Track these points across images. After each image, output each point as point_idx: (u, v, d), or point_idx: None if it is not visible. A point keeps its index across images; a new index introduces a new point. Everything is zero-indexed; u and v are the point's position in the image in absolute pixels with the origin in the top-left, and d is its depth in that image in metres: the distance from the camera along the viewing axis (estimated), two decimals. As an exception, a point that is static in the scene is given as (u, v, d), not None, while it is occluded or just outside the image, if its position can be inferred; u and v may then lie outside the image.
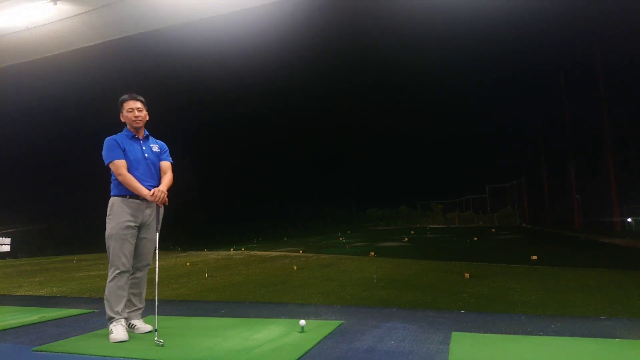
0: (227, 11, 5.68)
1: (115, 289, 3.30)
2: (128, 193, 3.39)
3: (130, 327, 3.40)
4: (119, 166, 3.37)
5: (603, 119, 16.58)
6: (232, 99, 30.04)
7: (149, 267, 3.54)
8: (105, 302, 3.32)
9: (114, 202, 3.41)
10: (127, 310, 3.40)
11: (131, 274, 3.46)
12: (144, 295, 3.55)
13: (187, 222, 31.16)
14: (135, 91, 3.61)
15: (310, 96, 30.64)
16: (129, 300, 3.43)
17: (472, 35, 20.05)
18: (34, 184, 31.48)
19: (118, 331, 3.22)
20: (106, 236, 3.37)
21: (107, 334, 3.25)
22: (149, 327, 3.44)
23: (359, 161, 36.64)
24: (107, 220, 3.40)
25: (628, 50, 14.05)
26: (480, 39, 20.16)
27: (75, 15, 5.52)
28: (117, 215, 3.36)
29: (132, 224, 3.37)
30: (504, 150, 29.18)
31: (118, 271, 3.31)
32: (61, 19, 5.61)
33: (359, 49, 26.21)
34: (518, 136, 26.62)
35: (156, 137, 3.74)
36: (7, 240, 28.64)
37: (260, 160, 37.28)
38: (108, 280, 3.34)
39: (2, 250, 27.98)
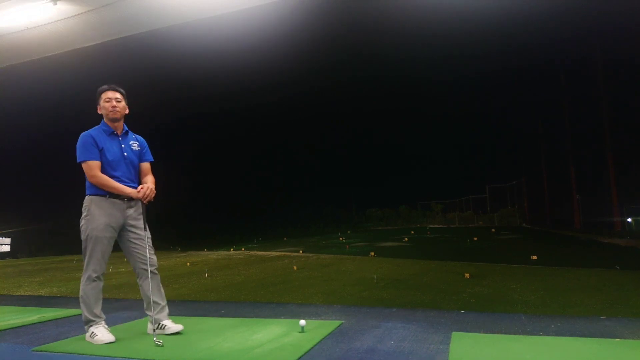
0: (227, 11, 5.69)
1: (94, 291, 3.19)
2: (107, 192, 3.21)
3: (160, 328, 3.28)
4: (92, 167, 3.17)
5: (603, 119, 16.58)
6: (231, 99, 30.04)
7: (155, 266, 3.36)
8: (82, 304, 3.18)
9: (92, 201, 3.21)
10: (154, 312, 3.27)
11: (144, 278, 3.31)
12: (162, 291, 3.40)
13: (187, 222, 31.16)
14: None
15: (309, 96, 30.63)
16: (153, 303, 3.27)
17: (471, 34, 20.02)
18: (34, 183, 31.48)
19: (102, 333, 3.14)
20: (84, 239, 3.20)
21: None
22: (180, 327, 3.29)
23: (359, 161, 36.63)
24: (83, 222, 3.22)
25: (629, 49, 14.04)
26: (479, 38, 20.13)
27: (75, 15, 5.52)
28: (96, 216, 3.18)
29: (114, 225, 3.22)
30: (504, 150, 29.17)
31: (95, 275, 3.18)
32: (61, 19, 5.61)
33: (358, 47, 26.20)
34: (518, 136, 26.61)
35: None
36: (7, 240, 28.61)
37: (259, 160, 37.28)
38: (83, 283, 3.19)
39: (2, 250, 27.95)
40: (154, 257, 3.41)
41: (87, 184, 3.28)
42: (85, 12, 5.46)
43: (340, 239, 17.87)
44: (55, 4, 5.22)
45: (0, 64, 7.22)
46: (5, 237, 28.52)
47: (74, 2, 5.27)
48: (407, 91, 29.60)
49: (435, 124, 32.87)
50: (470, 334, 3.15)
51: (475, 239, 13.96)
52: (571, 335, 3.05)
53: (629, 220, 15.61)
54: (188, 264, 11.20)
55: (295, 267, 8.86)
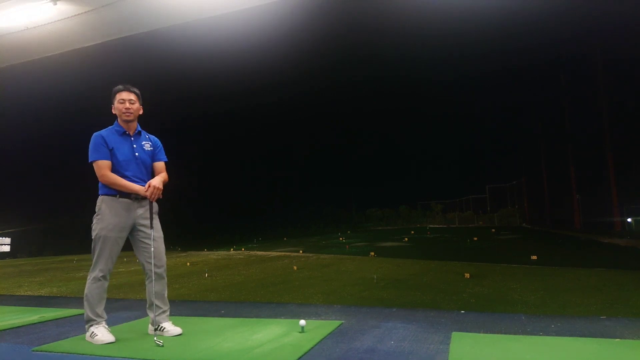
0: (227, 11, 5.68)
1: (98, 290, 3.20)
2: (118, 192, 3.23)
3: (159, 330, 3.28)
4: (102, 167, 3.19)
5: (603, 119, 16.59)
6: (231, 99, 30.06)
7: (164, 267, 3.37)
8: (85, 302, 3.19)
9: (103, 201, 3.24)
10: (154, 314, 3.29)
11: (149, 279, 3.31)
12: (166, 296, 3.40)
13: (187, 222, 31.16)
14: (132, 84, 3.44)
15: (309, 96, 30.65)
16: (153, 304, 3.28)
17: (471, 34, 20.04)
18: (34, 183, 31.51)
19: (102, 333, 3.14)
20: (94, 238, 3.21)
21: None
22: (178, 330, 3.30)
23: (359, 161, 36.65)
24: (95, 221, 3.24)
25: (629, 49, 14.04)
26: (479, 38, 20.15)
27: (75, 15, 5.51)
28: (107, 215, 3.20)
29: (123, 225, 3.23)
30: (504, 150, 29.18)
31: (102, 274, 3.19)
32: (61, 19, 5.61)
33: (358, 47, 26.22)
34: (518, 136, 26.62)
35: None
36: (7, 240, 28.63)
37: (260, 160, 37.31)
38: (90, 281, 3.20)
39: (2, 250, 27.97)
40: (163, 258, 3.39)
41: (99, 184, 3.30)
42: (85, 12, 5.46)
43: (340, 239, 17.87)
44: (55, 4, 5.22)
45: (0, 64, 7.21)
46: (5, 237, 28.54)
47: (74, 2, 5.27)
48: (407, 91, 29.62)
49: (435, 124, 32.88)
50: (470, 334, 3.15)
51: (475, 239, 13.96)
52: (571, 335, 3.05)
53: (629, 220, 15.61)
54: (188, 264, 11.19)
55: (295, 267, 8.86)
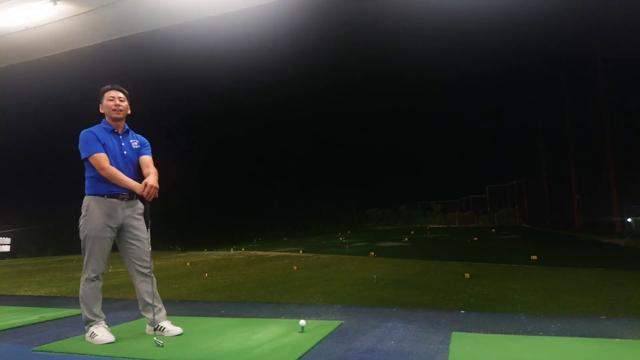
0: (227, 11, 5.68)
1: (93, 291, 3.19)
2: (106, 192, 3.19)
3: (159, 330, 3.27)
4: (101, 160, 3.14)
5: (603, 119, 16.59)
6: (231, 99, 30.04)
7: (151, 267, 3.35)
8: (81, 304, 3.19)
9: (90, 201, 3.21)
10: (153, 314, 3.26)
11: (139, 280, 3.30)
12: (157, 294, 3.38)
13: (187, 222, 31.14)
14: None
15: (309, 96, 30.62)
16: (148, 305, 3.27)
17: (471, 33, 20.03)
18: (34, 183, 31.49)
19: (102, 333, 3.14)
20: (82, 239, 3.20)
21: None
22: (179, 330, 3.28)
23: (359, 161, 36.64)
24: (81, 221, 3.21)
25: (629, 49, 14.04)
26: (479, 37, 20.15)
27: (75, 15, 5.51)
28: (95, 216, 3.17)
29: (112, 226, 3.20)
30: (504, 150, 29.19)
31: (94, 275, 3.18)
32: (61, 19, 5.61)
33: (358, 47, 26.22)
34: (518, 136, 26.62)
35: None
36: (7, 240, 28.58)
37: (260, 160, 37.28)
38: (83, 282, 3.20)
39: (2, 250, 27.92)
40: (151, 259, 3.39)
41: (86, 183, 3.27)
42: (85, 12, 5.46)
43: (340, 239, 17.87)
44: (55, 4, 5.22)
45: (0, 64, 7.21)
46: (5, 237, 28.50)
47: (74, 2, 5.26)
48: (407, 91, 29.62)
49: (435, 124, 32.90)
50: (470, 334, 3.15)
51: (475, 239, 13.96)
52: (571, 335, 3.05)
53: (629, 220, 15.61)
54: (188, 264, 11.20)
55: (295, 267, 8.86)
